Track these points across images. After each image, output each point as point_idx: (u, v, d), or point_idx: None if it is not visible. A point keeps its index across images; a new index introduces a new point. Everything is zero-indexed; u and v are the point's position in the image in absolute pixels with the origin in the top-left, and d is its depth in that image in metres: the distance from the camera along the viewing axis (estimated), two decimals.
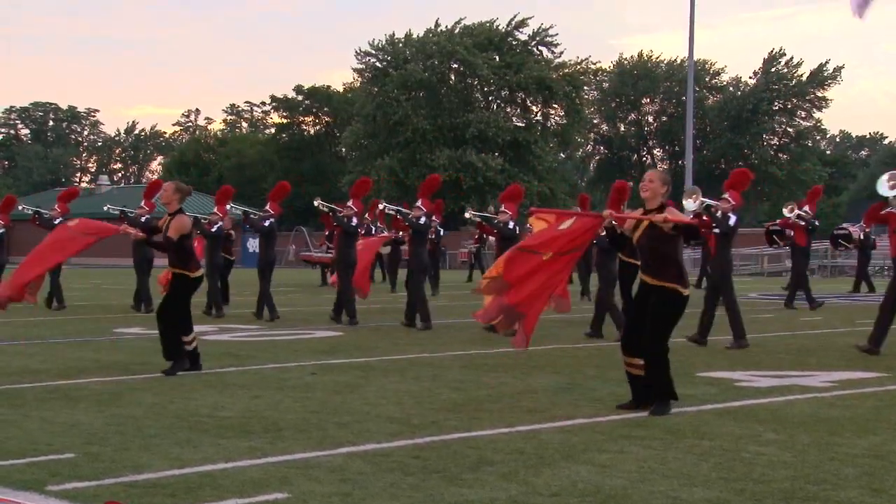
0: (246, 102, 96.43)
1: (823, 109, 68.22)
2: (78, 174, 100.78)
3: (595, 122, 73.32)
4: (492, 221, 15.21)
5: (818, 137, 74.09)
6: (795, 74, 67.19)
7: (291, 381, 8.55)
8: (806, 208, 19.12)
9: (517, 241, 15.11)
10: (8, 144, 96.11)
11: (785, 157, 68.21)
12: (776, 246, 22.92)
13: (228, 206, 17.66)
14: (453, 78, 61.71)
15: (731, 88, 70.23)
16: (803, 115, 68.44)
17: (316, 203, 16.96)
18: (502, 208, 14.70)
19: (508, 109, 62.75)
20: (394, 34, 61.35)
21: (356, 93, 65.69)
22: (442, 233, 21.21)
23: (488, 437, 6.18)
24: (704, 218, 12.27)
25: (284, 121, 73.75)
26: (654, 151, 75.37)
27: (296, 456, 5.61)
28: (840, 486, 4.98)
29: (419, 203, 14.75)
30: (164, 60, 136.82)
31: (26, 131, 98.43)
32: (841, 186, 75.62)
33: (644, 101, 72.83)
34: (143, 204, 17.61)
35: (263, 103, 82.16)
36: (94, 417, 6.71)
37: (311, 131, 73.98)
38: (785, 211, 19.26)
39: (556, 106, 62.53)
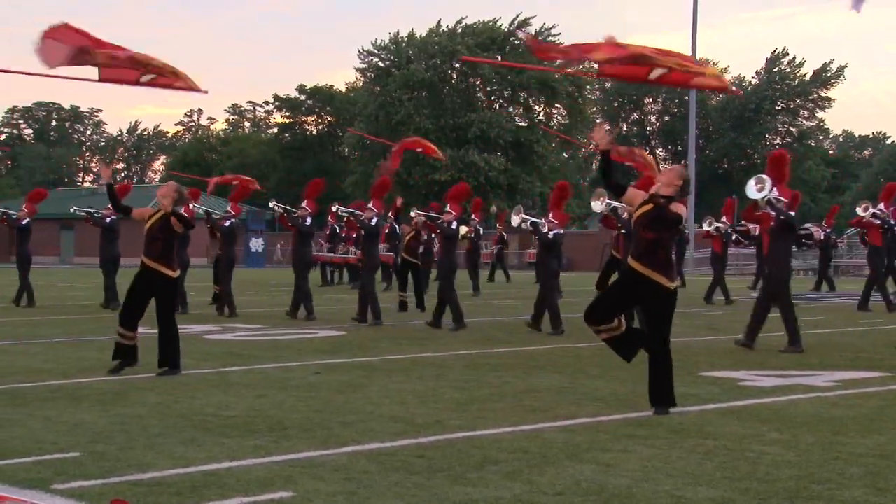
0: (248, 102, 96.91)
1: (826, 109, 68.28)
2: (80, 174, 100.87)
3: (598, 121, 73.31)
4: (436, 220, 15.39)
5: (821, 137, 74.11)
6: (798, 74, 67.22)
7: (295, 381, 8.57)
8: (881, 206, 18.87)
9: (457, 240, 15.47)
10: (11, 144, 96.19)
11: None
12: (743, 245, 23.03)
13: (191, 205, 17.87)
14: (455, 78, 61.72)
15: (733, 88, 70.24)
16: (806, 115, 68.47)
17: (271, 205, 17.58)
18: (447, 208, 14.88)
19: (511, 109, 62.75)
20: (398, 33, 61.41)
21: (359, 92, 65.76)
22: (482, 232, 21.51)
23: (492, 437, 6.19)
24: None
25: (287, 120, 73.88)
26: (657, 151, 75.34)
27: (300, 455, 5.62)
28: (844, 486, 4.98)
29: (371, 204, 15.30)
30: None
31: (29, 131, 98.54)
32: (843, 186, 75.58)
33: (646, 100, 72.88)
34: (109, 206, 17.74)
35: (266, 103, 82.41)
36: (99, 417, 6.72)
37: (314, 131, 74.08)
38: (859, 210, 18.75)
39: (558, 105, 62.57)
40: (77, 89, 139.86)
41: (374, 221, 15.11)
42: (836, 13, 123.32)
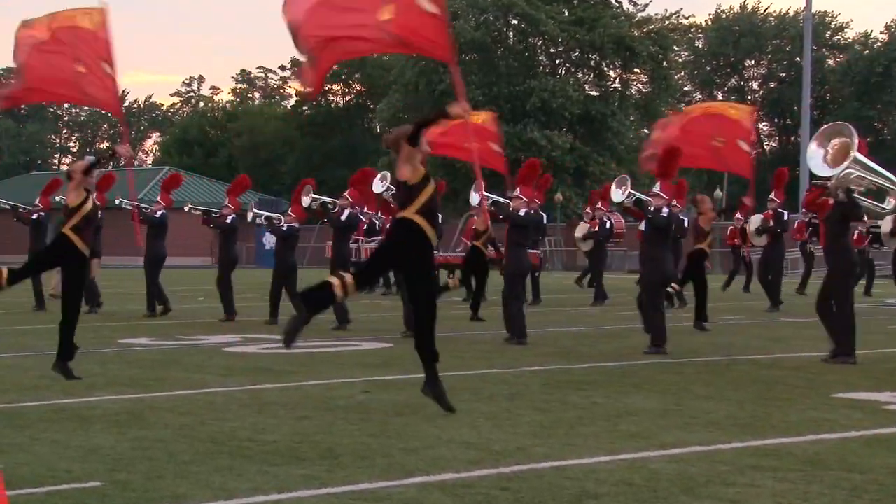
0: (259, 68, 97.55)
1: None
2: (57, 155, 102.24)
3: (686, 89, 73.06)
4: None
5: None
6: None
7: (341, 401, 8.74)
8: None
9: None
10: None
11: None
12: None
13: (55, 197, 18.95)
14: (512, 37, 61.85)
15: (857, 47, 69.64)
16: None
17: (186, 209, 19.55)
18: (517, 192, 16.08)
19: (580, 75, 62.78)
20: None
21: (394, 56, 66.04)
22: (609, 224, 21.83)
23: (587, 467, 6.30)
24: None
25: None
26: (761, 125, 74.92)
27: (360, 486, 5.76)
28: None
29: (347, 193, 16.87)
30: (161, 18, 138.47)
31: None
32: None
33: (747, 63, 72.44)
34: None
35: (282, 68, 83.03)
36: (116, 440, 6.93)
37: (340, 103, 74.60)
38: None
39: (638, 70, 62.43)
40: None
41: (345, 216, 16.46)
42: None
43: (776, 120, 73.23)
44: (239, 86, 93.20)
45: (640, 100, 62.88)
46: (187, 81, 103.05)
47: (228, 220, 17.89)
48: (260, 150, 70.59)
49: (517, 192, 14.31)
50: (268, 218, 18.03)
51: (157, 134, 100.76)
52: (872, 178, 12.29)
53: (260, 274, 17.07)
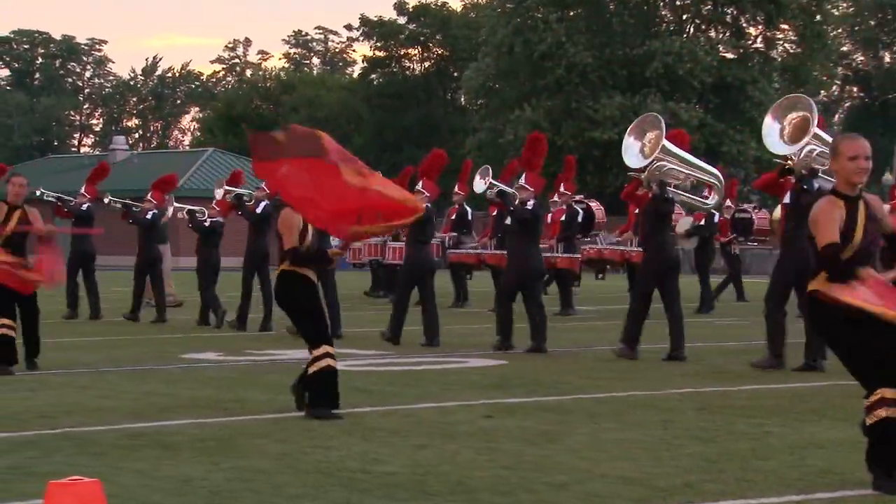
0: (318, 29, 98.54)
1: None
2: (77, 135, 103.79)
3: (845, 49, 72.27)
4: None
5: None
6: None
7: (462, 427, 8.98)
8: None
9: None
10: None
11: None
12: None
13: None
14: None
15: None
16: None
17: (38, 192, 20.33)
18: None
19: (712, 34, 62.41)
20: None
21: (484, 12, 66.26)
22: (716, 218, 22.25)
23: None
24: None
25: (379, 54, 74.78)
26: None
27: None
28: None
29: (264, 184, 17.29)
30: None
31: (6, 72, 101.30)
32: None
33: None
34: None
35: (349, 28, 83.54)
36: (208, 470, 7.23)
37: (418, 70, 74.88)
38: None
39: (785, 27, 61.83)
40: (72, 13, 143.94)
41: (260, 208, 17.63)
42: None
43: None
44: (293, 50, 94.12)
45: (787, 63, 62.17)
46: (231, 45, 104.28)
47: (149, 215, 19.30)
48: (321, 126, 71.11)
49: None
50: (189, 212, 19.01)
51: (196, 109, 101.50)
52: (688, 171, 14.44)
53: (341, 278, 17.50)
